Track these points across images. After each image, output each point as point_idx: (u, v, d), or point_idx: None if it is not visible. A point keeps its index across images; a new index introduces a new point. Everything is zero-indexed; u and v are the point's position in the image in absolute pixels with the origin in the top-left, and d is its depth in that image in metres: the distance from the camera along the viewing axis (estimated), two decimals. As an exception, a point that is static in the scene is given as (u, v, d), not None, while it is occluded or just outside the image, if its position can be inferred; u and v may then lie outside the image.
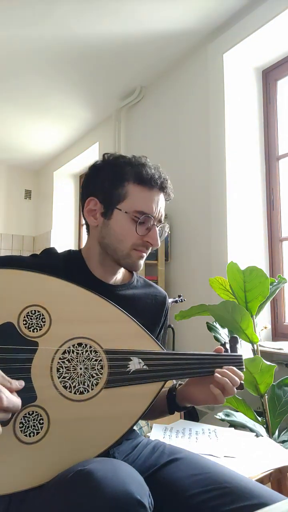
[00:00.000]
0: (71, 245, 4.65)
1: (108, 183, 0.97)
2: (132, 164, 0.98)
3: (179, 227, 2.68)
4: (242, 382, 0.93)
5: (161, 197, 1.00)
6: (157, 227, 0.98)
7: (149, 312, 1.07)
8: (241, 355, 0.96)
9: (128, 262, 0.98)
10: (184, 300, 2.18)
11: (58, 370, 0.81)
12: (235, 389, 0.90)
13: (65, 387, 0.81)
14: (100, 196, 0.99)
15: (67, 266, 0.99)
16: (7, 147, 4.40)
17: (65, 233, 4.71)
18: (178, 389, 1.01)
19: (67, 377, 0.82)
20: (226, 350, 0.97)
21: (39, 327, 0.83)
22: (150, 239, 0.97)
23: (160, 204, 0.99)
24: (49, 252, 1.02)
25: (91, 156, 4.13)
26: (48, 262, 0.98)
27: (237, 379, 0.90)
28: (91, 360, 0.84)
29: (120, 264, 1.00)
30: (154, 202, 0.97)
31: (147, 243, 0.97)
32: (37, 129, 3.93)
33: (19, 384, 0.75)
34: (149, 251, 1.01)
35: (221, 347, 0.97)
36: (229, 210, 2.32)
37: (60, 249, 1.06)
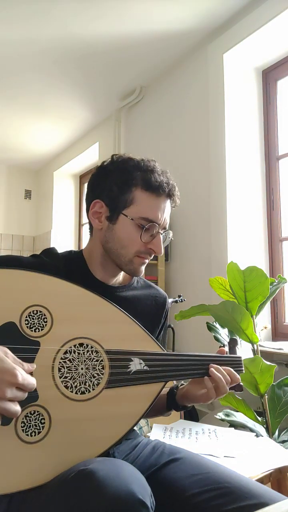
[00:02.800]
0: (71, 245, 4.65)
1: (115, 188, 0.96)
2: (141, 169, 0.96)
3: (179, 227, 2.68)
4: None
5: (168, 204, 1.00)
6: (161, 234, 0.98)
7: (149, 313, 1.07)
8: (240, 357, 0.97)
9: (130, 268, 0.99)
10: (184, 300, 2.18)
11: (59, 370, 0.82)
12: (228, 388, 0.91)
13: (66, 387, 0.81)
14: (107, 200, 0.98)
15: (67, 267, 0.99)
16: (7, 147, 4.40)
17: (65, 233, 4.70)
18: (180, 388, 1.02)
19: (69, 377, 0.82)
20: (225, 352, 0.98)
21: (41, 327, 0.83)
22: (153, 247, 0.97)
23: (166, 212, 0.99)
24: (49, 252, 1.02)
25: (91, 156, 4.13)
26: (48, 262, 0.98)
27: (229, 377, 0.91)
28: (92, 360, 0.84)
29: (121, 269, 1.00)
30: (161, 209, 0.97)
31: (151, 250, 0.97)
32: (37, 129, 3.94)
33: (30, 366, 0.75)
34: (151, 257, 1.01)
35: (224, 348, 0.98)
36: (229, 210, 2.32)
37: (60, 249, 1.06)
